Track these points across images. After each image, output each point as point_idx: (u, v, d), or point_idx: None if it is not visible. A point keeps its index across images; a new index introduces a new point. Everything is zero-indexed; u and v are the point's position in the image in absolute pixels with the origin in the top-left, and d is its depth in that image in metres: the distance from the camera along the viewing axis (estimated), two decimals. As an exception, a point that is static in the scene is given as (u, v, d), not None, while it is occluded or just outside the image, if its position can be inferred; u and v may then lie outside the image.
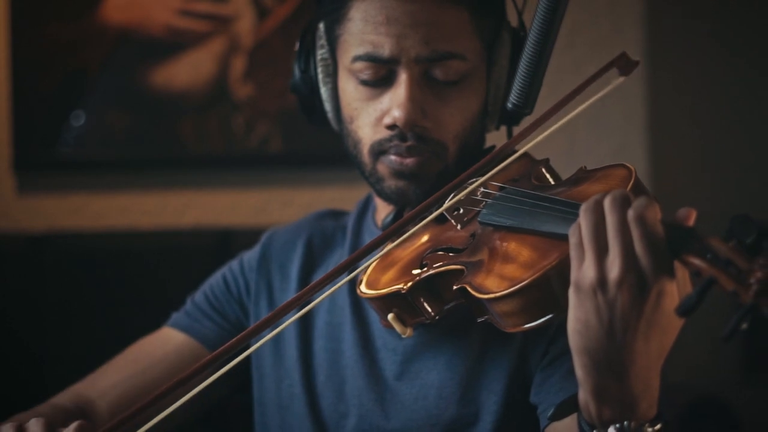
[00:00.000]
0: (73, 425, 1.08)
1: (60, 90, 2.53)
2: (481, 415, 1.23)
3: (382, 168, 1.26)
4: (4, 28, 2.52)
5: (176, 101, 2.55)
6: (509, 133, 1.34)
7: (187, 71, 2.56)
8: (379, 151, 1.25)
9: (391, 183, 1.26)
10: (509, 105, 1.24)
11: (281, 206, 2.55)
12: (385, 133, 1.24)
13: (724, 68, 2.80)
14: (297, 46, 1.33)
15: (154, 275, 2.31)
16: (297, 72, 1.33)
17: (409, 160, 1.24)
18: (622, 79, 1.21)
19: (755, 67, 2.82)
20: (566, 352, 1.18)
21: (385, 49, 1.22)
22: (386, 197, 1.28)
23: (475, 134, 1.29)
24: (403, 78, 1.23)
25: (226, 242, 2.26)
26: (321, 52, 1.31)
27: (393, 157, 1.25)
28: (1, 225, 2.50)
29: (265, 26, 2.56)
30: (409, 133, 1.23)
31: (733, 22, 2.80)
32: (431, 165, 1.25)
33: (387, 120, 1.24)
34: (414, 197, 1.25)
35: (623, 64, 1.21)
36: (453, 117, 1.25)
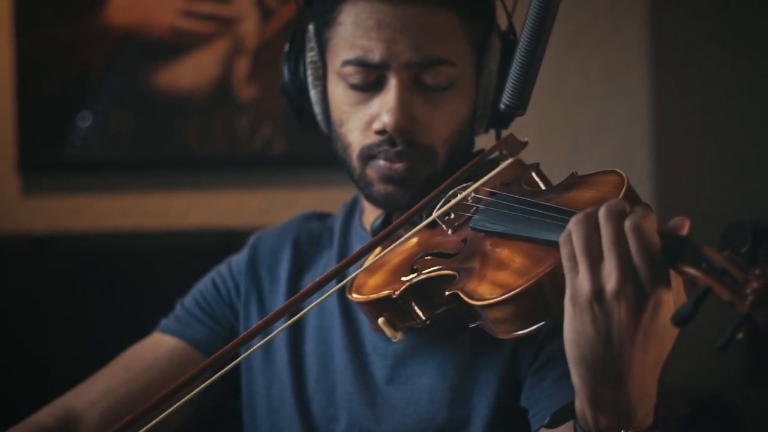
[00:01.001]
0: None
1: (63, 91, 2.53)
2: (472, 419, 1.23)
3: (371, 172, 1.26)
4: (8, 29, 2.53)
5: (180, 102, 2.55)
6: (498, 136, 1.34)
7: (191, 72, 2.56)
8: (368, 155, 1.25)
9: (380, 187, 1.26)
10: (502, 106, 1.23)
11: (285, 207, 2.55)
12: (374, 138, 1.24)
13: (727, 69, 2.79)
14: (287, 47, 1.33)
15: (157, 276, 2.32)
16: (286, 74, 1.33)
17: (398, 165, 1.24)
18: (510, 159, 1.22)
19: (758, 67, 2.82)
20: (556, 356, 1.18)
21: (376, 54, 1.22)
22: (375, 201, 1.28)
23: (465, 138, 1.29)
24: (392, 83, 1.22)
25: (229, 243, 2.26)
26: (311, 55, 1.30)
27: (382, 162, 1.25)
28: (5, 226, 2.50)
29: (268, 27, 2.56)
30: (398, 139, 1.23)
31: (735, 23, 2.79)
32: (420, 170, 1.25)
33: (376, 125, 1.23)
34: (403, 202, 1.25)
35: (510, 145, 1.23)
36: (442, 122, 1.25)
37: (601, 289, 0.96)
